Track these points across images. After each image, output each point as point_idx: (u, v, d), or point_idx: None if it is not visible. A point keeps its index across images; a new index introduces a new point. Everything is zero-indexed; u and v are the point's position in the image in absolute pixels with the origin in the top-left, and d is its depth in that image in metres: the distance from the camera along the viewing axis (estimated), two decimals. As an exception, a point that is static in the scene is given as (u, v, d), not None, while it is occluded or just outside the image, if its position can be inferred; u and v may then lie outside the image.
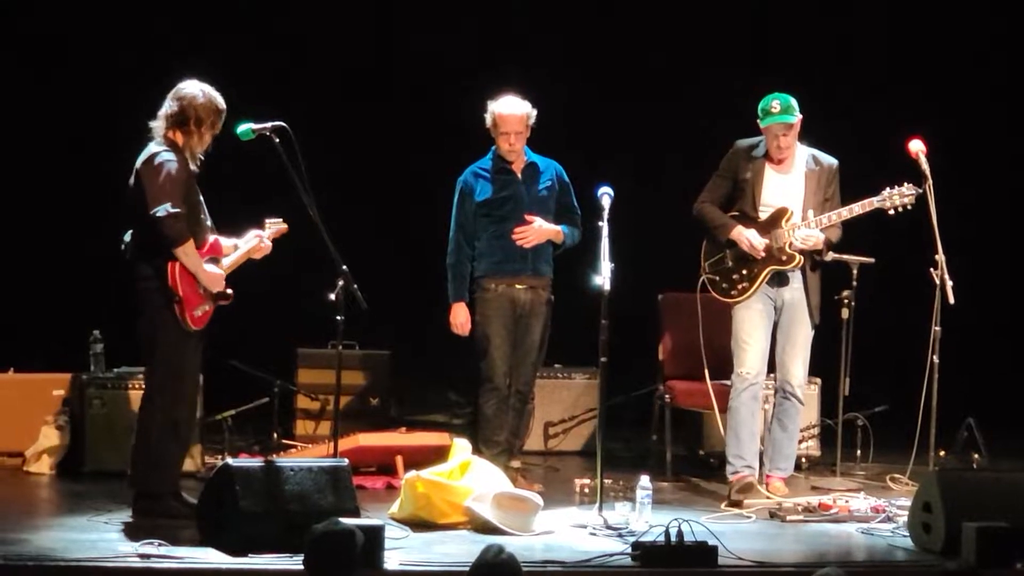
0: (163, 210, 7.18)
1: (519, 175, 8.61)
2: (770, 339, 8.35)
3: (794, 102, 8.23)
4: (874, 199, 8.24)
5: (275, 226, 7.77)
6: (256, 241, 7.71)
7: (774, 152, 8.30)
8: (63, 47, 10.44)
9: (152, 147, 7.36)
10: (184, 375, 7.42)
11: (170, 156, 7.30)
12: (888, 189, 8.23)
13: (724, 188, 8.44)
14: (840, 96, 10.77)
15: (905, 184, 8.21)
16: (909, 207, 8.20)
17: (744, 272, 8.34)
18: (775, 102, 8.22)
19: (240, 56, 10.21)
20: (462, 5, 10.89)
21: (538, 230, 8.53)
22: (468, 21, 10.95)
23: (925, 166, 8.26)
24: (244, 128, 7.44)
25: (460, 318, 8.58)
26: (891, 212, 8.22)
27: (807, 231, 8.23)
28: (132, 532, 7.00)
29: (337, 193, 8.78)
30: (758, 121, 8.27)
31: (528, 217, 8.54)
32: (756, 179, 8.33)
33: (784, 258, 8.29)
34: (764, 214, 8.34)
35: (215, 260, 7.50)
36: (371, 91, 10.93)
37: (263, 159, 7.43)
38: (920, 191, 8.20)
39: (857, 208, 8.26)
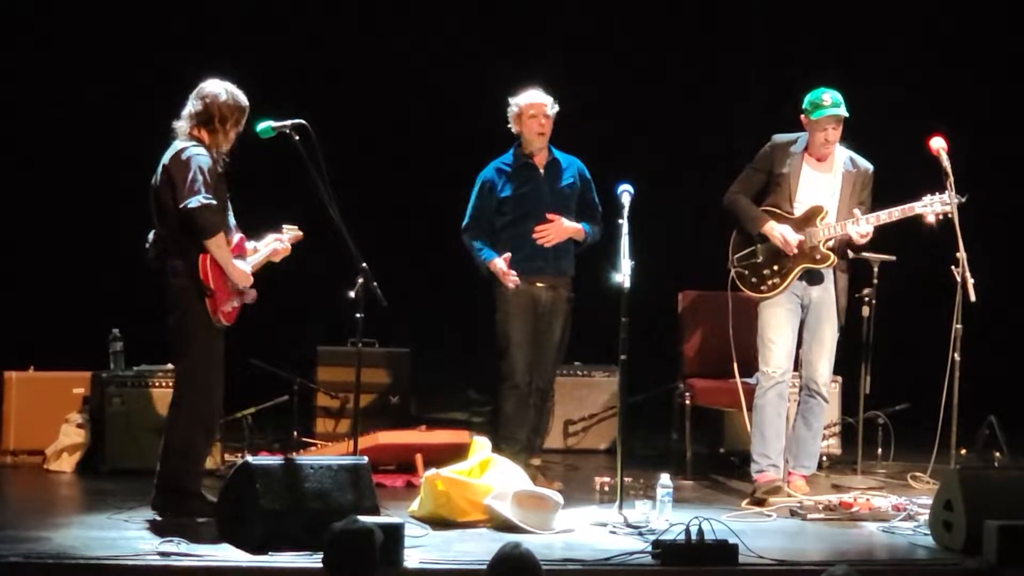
0: (196, 201, 7.16)
1: (542, 171, 8.59)
2: (796, 337, 8.28)
3: (841, 97, 8.11)
4: (915, 204, 8.11)
5: (292, 232, 7.75)
6: (276, 244, 7.69)
7: (820, 147, 8.16)
8: (87, 50, 10.46)
9: (179, 143, 7.34)
10: (213, 371, 7.42)
11: (199, 151, 7.29)
12: (929, 196, 8.09)
13: (757, 181, 8.32)
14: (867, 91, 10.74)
15: (947, 192, 8.07)
16: (950, 215, 8.07)
17: (775, 268, 8.25)
18: (826, 95, 8.09)
19: (259, 55, 10.23)
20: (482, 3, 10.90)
21: (559, 228, 8.51)
22: (487, 20, 10.95)
23: (946, 163, 8.16)
24: (264, 126, 7.44)
25: (503, 267, 8.42)
26: (930, 219, 8.11)
27: (866, 227, 8.09)
28: (152, 530, 7.02)
29: (357, 189, 8.77)
30: (804, 115, 8.13)
31: (550, 216, 8.52)
32: (794, 174, 8.21)
33: (818, 256, 8.20)
34: (799, 210, 8.24)
35: (241, 259, 7.50)
36: (391, 89, 10.93)
37: (286, 157, 7.43)
38: (962, 199, 8.06)
39: (897, 212, 8.14)
